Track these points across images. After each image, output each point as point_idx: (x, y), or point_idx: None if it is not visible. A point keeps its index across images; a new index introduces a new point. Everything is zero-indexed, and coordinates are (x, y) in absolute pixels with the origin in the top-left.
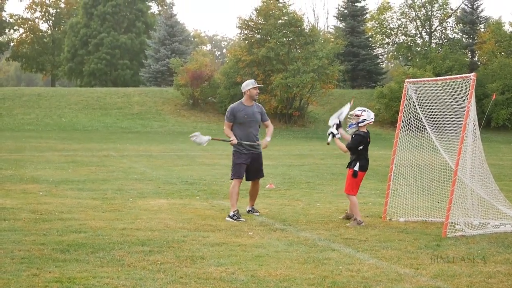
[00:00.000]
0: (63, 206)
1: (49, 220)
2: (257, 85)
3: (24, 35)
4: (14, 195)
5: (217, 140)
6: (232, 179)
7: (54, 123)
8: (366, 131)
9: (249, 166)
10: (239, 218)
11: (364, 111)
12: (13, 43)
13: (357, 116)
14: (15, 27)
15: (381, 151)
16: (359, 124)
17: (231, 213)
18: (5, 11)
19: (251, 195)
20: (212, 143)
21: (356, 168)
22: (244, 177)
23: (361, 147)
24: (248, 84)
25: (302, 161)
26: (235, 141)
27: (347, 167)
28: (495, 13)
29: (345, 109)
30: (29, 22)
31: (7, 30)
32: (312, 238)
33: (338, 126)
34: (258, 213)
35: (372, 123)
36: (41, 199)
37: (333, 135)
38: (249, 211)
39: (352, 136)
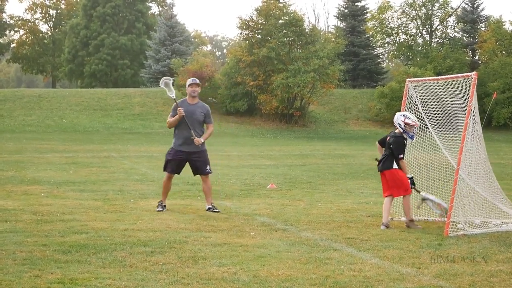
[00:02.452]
0: (65, 207)
1: (50, 221)
2: (192, 82)
3: (24, 36)
4: (15, 196)
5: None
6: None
7: (55, 125)
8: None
9: (190, 163)
10: (158, 206)
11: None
12: (13, 45)
13: (413, 126)
14: (15, 29)
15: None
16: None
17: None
18: (5, 13)
19: (205, 193)
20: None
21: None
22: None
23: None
24: (187, 82)
25: (303, 161)
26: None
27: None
28: (496, 12)
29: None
30: (30, 24)
31: (7, 32)
32: (313, 238)
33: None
34: (219, 211)
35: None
36: (42, 200)
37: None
38: (208, 208)
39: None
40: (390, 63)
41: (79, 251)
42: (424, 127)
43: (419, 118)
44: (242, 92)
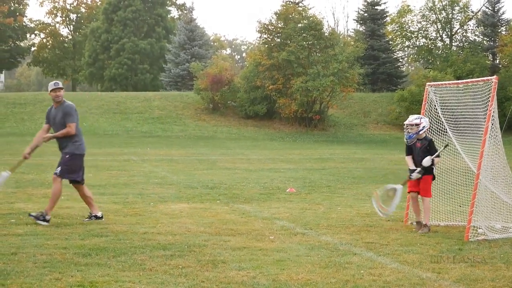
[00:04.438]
0: (85, 210)
1: (70, 224)
2: (55, 87)
3: (44, 40)
4: (35, 199)
5: (16, 167)
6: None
7: None
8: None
9: None
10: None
11: (422, 118)
12: (34, 48)
13: (417, 125)
14: (35, 32)
15: (402, 155)
16: (420, 132)
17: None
18: (26, 16)
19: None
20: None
21: (435, 172)
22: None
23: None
24: (49, 87)
25: (323, 165)
26: (26, 153)
27: (419, 174)
28: None
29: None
30: (50, 27)
31: (28, 35)
32: (333, 242)
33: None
34: (37, 219)
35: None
36: (62, 203)
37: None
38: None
39: (425, 147)
40: (409, 67)
41: (99, 254)
42: (444, 132)
43: (438, 122)
44: (261, 96)
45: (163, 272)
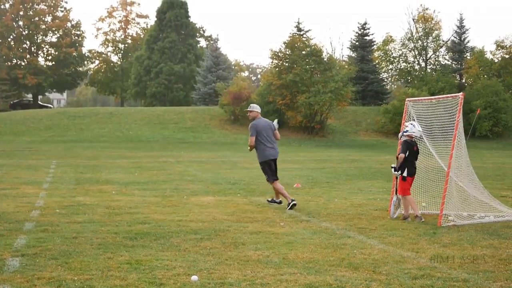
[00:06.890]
0: (131, 202)
1: (120, 214)
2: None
3: (99, 65)
4: (92, 194)
5: None
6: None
7: (123, 136)
8: (412, 140)
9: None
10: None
11: (411, 124)
12: (90, 72)
13: (405, 127)
14: (92, 60)
15: (387, 156)
16: (404, 134)
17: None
18: (84, 47)
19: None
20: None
21: (405, 174)
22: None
23: (407, 154)
24: (259, 108)
25: (323, 165)
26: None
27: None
28: (479, 44)
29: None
30: (103, 55)
31: (85, 62)
32: (331, 227)
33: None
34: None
35: (416, 136)
36: (113, 197)
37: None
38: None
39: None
40: (392, 85)
41: (143, 238)
42: (420, 138)
43: None
44: (273, 109)
45: (194, 252)
